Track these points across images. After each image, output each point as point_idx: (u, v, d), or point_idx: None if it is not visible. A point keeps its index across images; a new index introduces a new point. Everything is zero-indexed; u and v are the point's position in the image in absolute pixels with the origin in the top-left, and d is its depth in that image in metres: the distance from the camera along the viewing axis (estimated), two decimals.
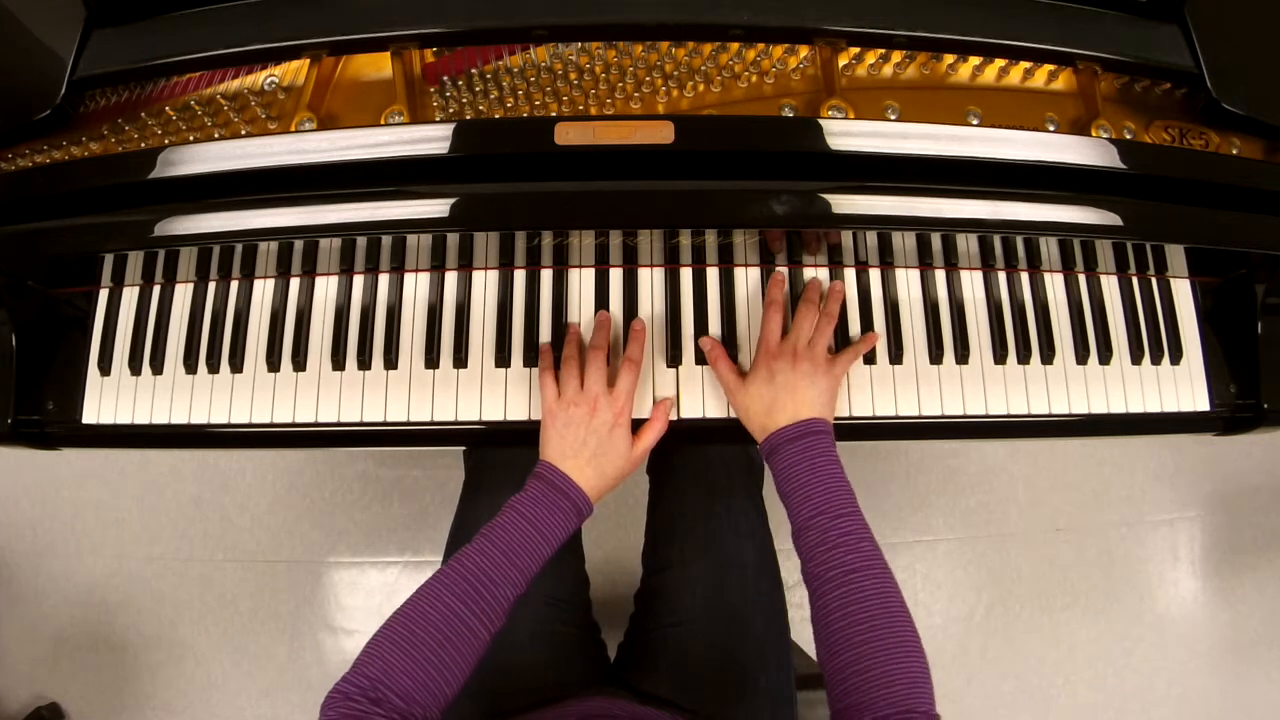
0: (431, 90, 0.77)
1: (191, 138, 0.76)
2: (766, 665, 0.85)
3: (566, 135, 0.69)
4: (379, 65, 0.77)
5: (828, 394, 0.75)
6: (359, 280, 0.85)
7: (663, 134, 0.69)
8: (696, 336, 0.82)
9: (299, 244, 0.81)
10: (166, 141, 0.76)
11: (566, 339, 0.80)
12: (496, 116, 0.76)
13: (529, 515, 0.70)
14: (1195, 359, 0.85)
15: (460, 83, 0.77)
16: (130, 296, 0.86)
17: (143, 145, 0.76)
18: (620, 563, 1.50)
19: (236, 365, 0.83)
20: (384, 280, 0.85)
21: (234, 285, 0.85)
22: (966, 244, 0.82)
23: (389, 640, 0.63)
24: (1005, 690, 1.52)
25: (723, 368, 0.78)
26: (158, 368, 0.84)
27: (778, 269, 0.82)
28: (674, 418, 0.80)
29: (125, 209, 0.73)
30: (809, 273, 0.84)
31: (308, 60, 0.77)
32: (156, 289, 0.86)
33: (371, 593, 1.56)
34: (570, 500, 0.72)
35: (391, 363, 0.82)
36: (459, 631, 0.64)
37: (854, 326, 0.83)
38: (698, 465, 0.94)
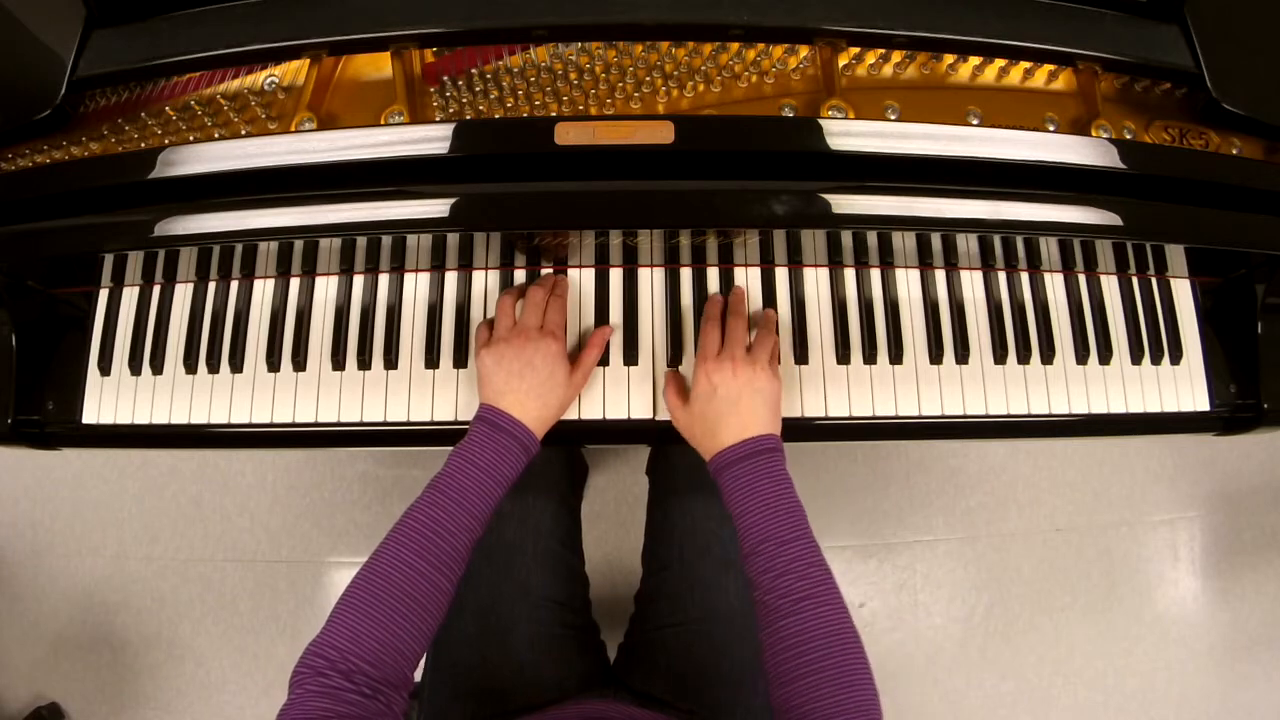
0: (431, 90, 0.77)
1: (191, 138, 0.76)
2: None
3: (566, 135, 0.69)
4: (379, 65, 0.77)
5: (773, 401, 0.73)
6: (359, 280, 0.85)
7: (663, 134, 0.69)
8: (696, 336, 0.82)
9: (299, 244, 0.81)
10: (166, 141, 0.76)
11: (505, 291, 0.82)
12: (496, 116, 0.76)
13: (476, 461, 0.70)
14: (1195, 359, 0.85)
15: (460, 83, 0.77)
16: (130, 296, 0.86)
17: (143, 145, 0.76)
18: (620, 563, 1.50)
19: (236, 365, 0.83)
20: (384, 280, 0.85)
21: (234, 285, 0.85)
22: (966, 244, 0.82)
23: (353, 605, 0.62)
24: (1005, 690, 1.52)
25: (669, 391, 0.78)
26: (158, 368, 0.84)
27: (715, 294, 0.83)
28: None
29: (125, 209, 0.73)
30: (809, 273, 0.84)
31: (308, 60, 0.77)
32: (156, 289, 0.86)
33: None
34: (515, 439, 0.72)
35: (391, 363, 0.82)
36: (421, 588, 0.64)
37: (854, 327, 0.83)
38: (697, 465, 0.94)
